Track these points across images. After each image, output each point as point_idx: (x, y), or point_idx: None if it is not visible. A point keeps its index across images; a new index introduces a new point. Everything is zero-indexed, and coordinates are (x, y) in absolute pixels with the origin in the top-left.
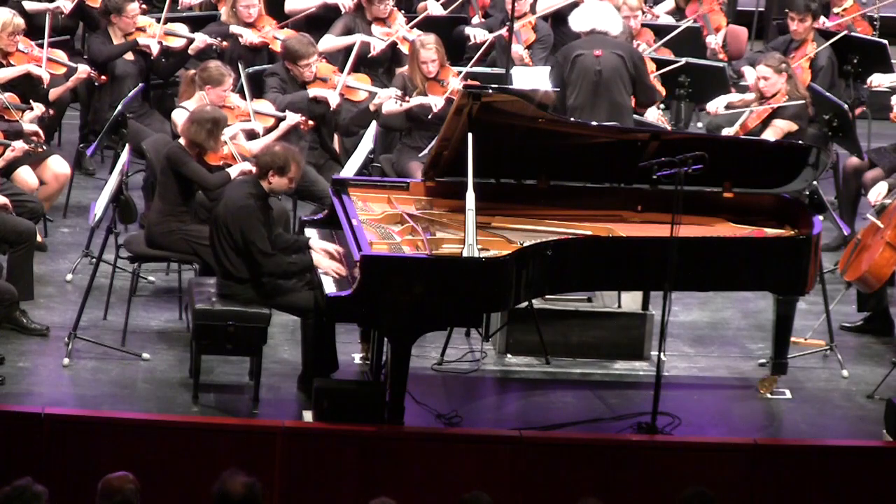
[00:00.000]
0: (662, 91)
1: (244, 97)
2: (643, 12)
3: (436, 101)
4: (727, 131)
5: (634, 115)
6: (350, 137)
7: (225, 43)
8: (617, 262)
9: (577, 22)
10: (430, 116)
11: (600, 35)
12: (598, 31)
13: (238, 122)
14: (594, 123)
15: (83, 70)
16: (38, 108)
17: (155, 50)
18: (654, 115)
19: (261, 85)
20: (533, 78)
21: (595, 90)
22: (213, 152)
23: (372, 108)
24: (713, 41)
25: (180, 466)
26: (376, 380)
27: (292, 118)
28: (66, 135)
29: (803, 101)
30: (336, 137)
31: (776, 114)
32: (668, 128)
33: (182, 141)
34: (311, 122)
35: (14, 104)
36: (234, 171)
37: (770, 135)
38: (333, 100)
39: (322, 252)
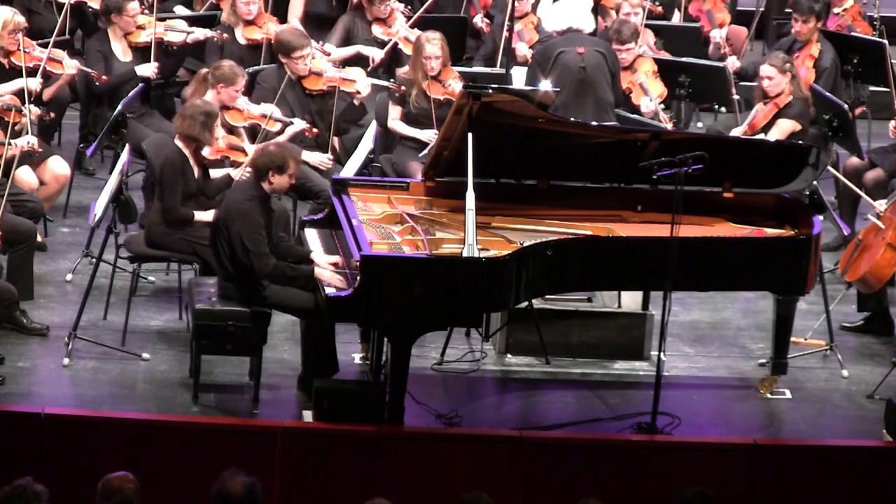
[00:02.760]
0: (665, 90)
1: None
2: (644, 9)
3: (432, 137)
4: (737, 130)
5: (633, 115)
6: (340, 136)
7: (226, 35)
8: (617, 262)
9: (553, 20)
10: (420, 155)
11: (576, 33)
12: (574, 28)
13: (244, 124)
14: (594, 123)
15: (73, 65)
16: (34, 111)
17: (152, 72)
18: (651, 106)
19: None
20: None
21: (580, 87)
22: (210, 145)
23: (356, 102)
24: (717, 35)
25: (180, 466)
26: (376, 380)
27: (299, 124)
28: (66, 135)
29: (806, 100)
30: (336, 138)
31: (781, 113)
32: (670, 126)
33: (177, 138)
34: (315, 130)
35: (16, 106)
36: (199, 216)
37: (775, 134)
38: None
39: (326, 266)
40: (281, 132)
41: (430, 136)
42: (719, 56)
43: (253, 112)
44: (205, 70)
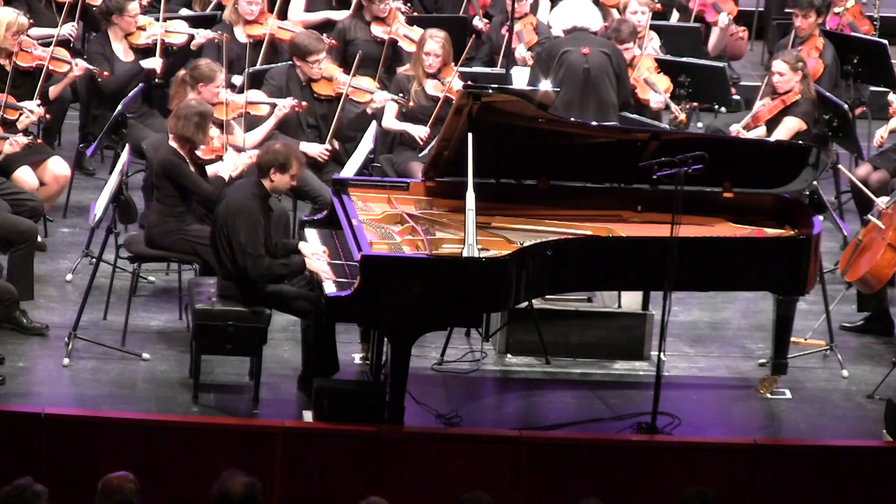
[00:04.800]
0: (670, 84)
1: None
2: (650, 10)
3: (420, 133)
4: (736, 127)
5: (635, 116)
6: (346, 143)
7: (227, 36)
8: (617, 262)
9: (558, 20)
10: (417, 151)
11: (582, 32)
12: (579, 27)
13: (233, 115)
14: (594, 123)
15: (81, 66)
16: (37, 110)
17: (158, 66)
18: (660, 100)
19: (259, 85)
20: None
21: (583, 88)
22: (204, 146)
23: (369, 111)
24: (724, 19)
25: (180, 466)
26: (376, 380)
27: (285, 103)
28: (66, 135)
29: (812, 101)
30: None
31: (788, 111)
32: (683, 116)
33: (171, 139)
34: (304, 104)
35: (12, 104)
36: (225, 171)
37: (781, 131)
38: (315, 151)
39: (313, 256)
40: (270, 114)
41: (420, 132)
42: (723, 46)
43: (237, 102)
44: (182, 72)
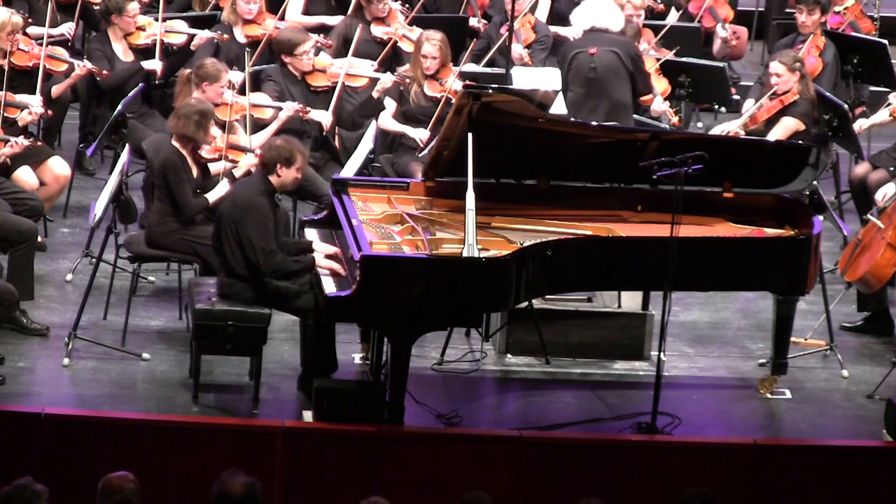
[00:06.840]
0: (668, 87)
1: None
2: (649, 11)
3: (420, 135)
4: (735, 123)
5: (635, 116)
6: (355, 131)
7: (226, 36)
8: (617, 262)
9: (579, 20)
10: (417, 153)
11: (599, 32)
12: (597, 28)
13: (237, 116)
14: (594, 123)
15: (83, 66)
16: (38, 106)
17: (158, 68)
18: (662, 107)
19: (258, 87)
20: (533, 78)
21: (589, 88)
22: (206, 144)
23: (375, 95)
24: (723, 30)
25: (180, 466)
26: (376, 380)
27: (290, 107)
28: (66, 135)
29: (812, 101)
30: (336, 137)
31: (786, 111)
32: (676, 119)
33: (173, 139)
34: (308, 109)
35: (12, 102)
36: (212, 197)
37: (779, 131)
38: (326, 121)
39: (323, 254)
40: (274, 118)
41: (420, 134)
42: (726, 51)
43: (241, 103)
44: (187, 71)
